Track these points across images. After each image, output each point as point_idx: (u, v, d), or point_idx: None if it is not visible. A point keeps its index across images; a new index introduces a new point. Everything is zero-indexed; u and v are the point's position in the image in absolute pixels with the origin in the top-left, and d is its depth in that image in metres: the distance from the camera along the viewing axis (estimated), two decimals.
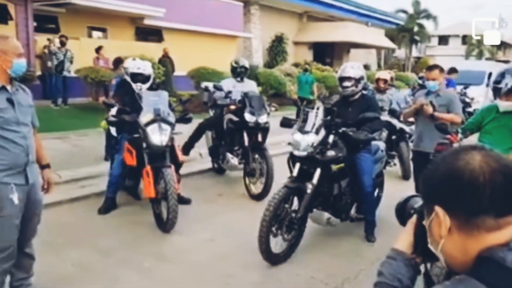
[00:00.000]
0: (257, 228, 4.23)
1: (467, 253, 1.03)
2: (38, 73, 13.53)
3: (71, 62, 13.27)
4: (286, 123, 5.08)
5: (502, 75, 3.86)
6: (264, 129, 6.59)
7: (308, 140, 4.47)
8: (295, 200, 4.54)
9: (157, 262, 4.43)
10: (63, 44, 13.26)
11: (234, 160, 6.79)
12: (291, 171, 4.65)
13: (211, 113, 7.63)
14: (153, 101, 5.49)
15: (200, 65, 16.18)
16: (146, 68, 5.94)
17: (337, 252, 4.82)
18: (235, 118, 6.66)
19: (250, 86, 7.24)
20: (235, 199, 6.49)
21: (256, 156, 6.48)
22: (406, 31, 41.26)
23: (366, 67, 27.44)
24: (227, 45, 21.58)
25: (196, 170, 7.59)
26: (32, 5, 13.43)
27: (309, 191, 4.41)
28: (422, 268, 1.35)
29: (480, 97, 13.53)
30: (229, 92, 6.94)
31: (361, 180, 4.88)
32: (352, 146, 4.81)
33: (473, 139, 4.34)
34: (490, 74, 14.41)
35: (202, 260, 4.51)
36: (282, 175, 4.87)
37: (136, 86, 5.75)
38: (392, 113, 7.56)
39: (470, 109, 10.87)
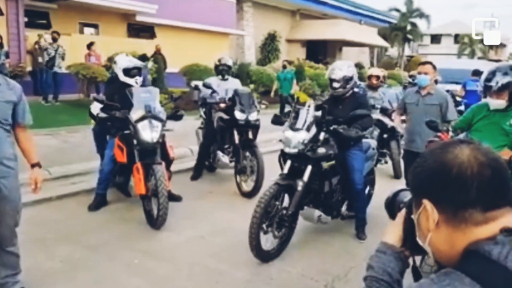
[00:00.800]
0: (247, 226, 4.22)
1: (454, 246, 1.02)
2: (29, 68, 13.44)
3: (63, 58, 13.17)
4: (277, 121, 5.07)
5: (492, 73, 3.86)
6: (255, 127, 6.58)
7: (299, 138, 4.47)
8: (286, 197, 4.53)
9: (147, 259, 4.41)
10: (54, 40, 13.15)
11: (225, 159, 6.78)
12: (282, 168, 4.65)
13: (201, 111, 7.63)
14: (144, 98, 5.47)
15: (192, 62, 16.14)
16: (137, 61, 5.94)
17: (327, 250, 4.82)
18: (225, 116, 6.64)
19: (234, 84, 7.22)
20: (226, 197, 6.48)
21: (247, 153, 6.47)
22: (399, 30, 41.39)
23: (359, 65, 27.50)
24: (219, 42, 21.53)
25: (187, 167, 7.56)
26: (23, 0, 13.35)
27: (300, 188, 4.40)
28: (410, 261, 1.35)
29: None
30: (214, 91, 6.93)
31: (352, 178, 4.88)
32: (343, 144, 4.82)
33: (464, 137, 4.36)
34: (481, 73, 14.46)
35: (192, 257, 4.49)
36: (273, 172, 4.86)
37: (134, 81, 5.71)
38: (384, 111, 7.57)
39: (461, 108, 10.90)
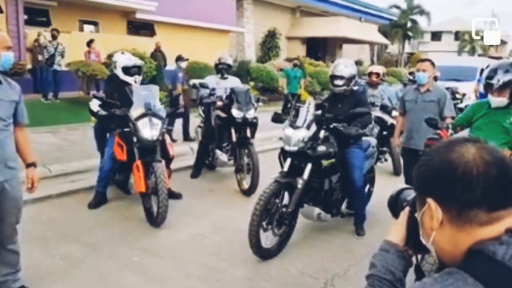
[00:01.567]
0: (247, 224, 4.22)
1: (458, 246, 1.02)
2: (29, 66, 13.42)
3: (62, 56, 13.15)
4: (277, 118, 5.07)
5: (494, 71, 3.85)
6: (252, 125, 6.58)
7: (299, 135, 4.46)
8: (286, 195, 4.53)
9: (147, 257, 4.41)
10: (54, 37, 13.13)
11: (223, 157, 6.77)
12: (282, 166, 4.64)
13: (200, 110, 7.63)
14: (144, 95, 5.46)
15: (192, 60, 16.09)
16: (137, 60, 5.93)
17: (327, 247, 4.82)
18: (222, 115, 6.64)
19: (234, 82, 7.22)
20: (225, 195, 6.48)
21: (246, 151, 6.47)
22: (399, 27, 41.38)
23: (359, 62, 27.51)
24: (219, 39, 21.51)
25: (187, 165, 7.56)
26: None
27: (299, 186, 4.40)
28: (413, 260, 1.34)
29: (472, 93, 13.59)
30: (213, 89, 6.93)
31: (352, 175, 4.88)
32: (343, 141, 4.81)
33: (464, 135, 4.34)
34: (482, 70, 14.47)
35: (191, 255, 4.49)
36: (273, 170, 4.85)
37: (133, 79, 5.70)
38: (384, 108, 7.56)
39: (461, 105, 10.90)
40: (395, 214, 1.40)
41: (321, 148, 4.53)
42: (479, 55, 43.26)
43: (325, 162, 4.62)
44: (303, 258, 4.52)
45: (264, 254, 4.38)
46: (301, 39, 30.61)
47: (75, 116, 10.64)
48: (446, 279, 0.96)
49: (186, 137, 9.30)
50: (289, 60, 16.42)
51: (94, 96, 5.84)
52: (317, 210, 4.76)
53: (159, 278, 4.03)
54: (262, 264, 4.34)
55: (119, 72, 5.77)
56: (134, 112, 5.31)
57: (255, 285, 3.99)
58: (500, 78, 3.76)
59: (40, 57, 12.91)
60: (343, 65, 5.07)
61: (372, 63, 34.92)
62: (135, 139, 5.28)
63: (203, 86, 6.96)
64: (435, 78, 6.76)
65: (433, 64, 5.38)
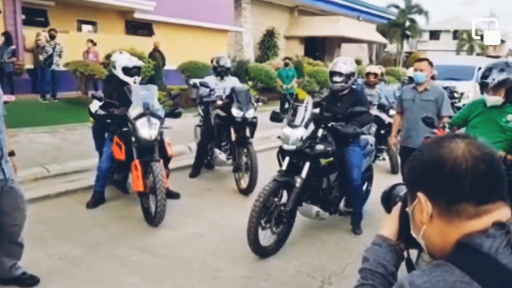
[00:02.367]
0: (245, 223, 4.24)
1: (447, 239, 1.04)
2: (28, 66, 13.41)
3: (60, 56, 13.15)
4: (276, 117, 5.08)
5: (489, 70, 3.87)
6: (252, 124, 6.58)
7: (297, 134, 4.48)
8: (285, 194, 4.55)
9: (145, 256, 4.42)
10: (52, 37, 13.13)
11: (222, 156, 6.78)
12: (280, 165, 4.66)
13: (199, 109, 7.64)
14: (143, 95, 5.47)
15: (190, 59, 16.13)
16: (137, 60, 5.94)
17: (324, 246, 4.84)
18: (222, 114, 6.64)
19: (232, 82, 7.22)
20: (224, 194, 6.49)
21: (244, 150, 6.48)
22: (398, 26, 41.39)
23: (358, 61, 27.49)
24: (218, 39, 21.51)
25: (185, 164, 7.57)
26: None
27: (298, 184, 4.42)
28: (405, 254, 1.36)
29: (470, 92, 13.59)
30: (212, 90, 6.94)
31: (350, 174, 4.90)
32: (341, 140, 4.83)
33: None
34: (480, 69, 14.48)
35: (190, 254, 4.50)
36: (272, 169, 4.87)
37: (133, 80, 5.71)
38: (381, 107, 7.58)
39: (459, 104, 10.91)
40: (388, 210, 1.42)
41: (319, 147, 4.54)
42: (477, 54, 43.30)
43: (323, 161, 4.64)
44: (300, 256, 4.53)
45: (262, 252, 4.40)
46: (299, 39, 30.62)
47: (73, 116, 10.63)
48: (434, 271, 0.98)
49: None
50: (284, 59, 16.32)
51: (93, 96, 5.85)
52: (315, 208, 4.78)
53: (157, 277, 4.04)
54: (260, 262, 4.35)
55: (118, 72, 5.77)
56: (133, 111, 5.31)
57: (253, 284, 4.00)
58: (495, 77, 3.78)
59: (40, 57, 12.91)
60: (343, 62, 5.11)
61: (371, 62, 34.95)
62: (133, 139, 5.28)
63: (203, 85, 6.97)
64: (433, 77, 6.78)
65: (430, 63, 5.40)
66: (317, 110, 4.66)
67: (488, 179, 1.02)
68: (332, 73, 5.07)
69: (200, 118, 7.78)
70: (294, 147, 4.47)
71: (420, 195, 1.07)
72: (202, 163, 7.33)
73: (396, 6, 42.71)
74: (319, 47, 32.55)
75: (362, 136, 5.28)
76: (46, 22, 15.51)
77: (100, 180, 5.72)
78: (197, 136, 7.65)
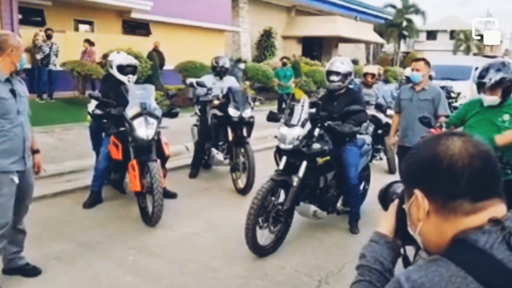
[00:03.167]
0: (242, 223, 4.25)
1: (443, 236, 1.05)
2: (27, 66, 13.36)
3: (56, 55, 13.11)
4: (272, 117, 5.09)
5: (486, 70, 3.89)
6: (248, 123, 6.58)
7: (294, 134, 4.49)
8: (282, 193, 4.56)
9: (142, 255, 4.42)
10: (49, 37, 13.10)
11: (219, 156, 6.77)
12: (277, 164, 4.66)
13: (196, 109, 7.63)
14: (140, 95, 5.46)
15: (188, 59, 16.10)
16: (132, 59, 5.93)
17: (321, 245, 4.84)
18: (219, 113, 6.64)
19: (230, 82, 7.21)
20: (221, 194, 6.49)
21: (242, 150, 6.48)
22: (395, 26, 41.47)
23: (355, 61, 27.51)
24: (215, 39, 21.49)
25: (182, 164, 7.57)
26: None
27: (295, 184, 4.43)
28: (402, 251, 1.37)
29: (467, 92, 13.63)
30: (210, 89, 6.93)
31: (347, 173, 4.91)
32: (337, 139, 4.84)
33: None
34: (476, 69, 14.53)
35: (187, 253, 4.50)
36: (269, 168, 4.87)
37: (127, 78, 5.71)
38: (379, 107, 7.59)
39: (456, 104, 10.95)
40: (385, 207, 1.44)
41: (316, 146, 4.55)
42: (474, 54, 43.39)
43: (320, 160, 4.65)
44: (297, 256, 4.54)
45: (260, 251, 4.40)
46: (296, 38, 30.62)
47: (70, 116, 10.61)
48: (430, 266, 0.99)
49: None
50: (282, 59, 16.27)
51: (90, 96, 5.84)
52: (313, 207, 4.79)
53: (154, 277, 4.04)
54: (257, 262, 4.35)
55: (114, 71, 5.78)
56: (130, 111, 5.30)
57: (250, 283, 4.00)
58: (492, 77, 3.79)
59: (38, 57, 12.87)
60: (340, 61, 5.14)
61: (368, 62, 35.01)
62: (130, 139, 5.28)
63: (199, 84, 6.96)
64: (430, 77, 6.79)
65: (428, 63, 5.42)
66: (313, 110, 4.67)
67: (484, 176, 1.03)
68: (329, 73, 5.08)
69: (197, 117, 7.77)
70: (291, 146, 4.48)
71: (417, 192, 1.08)
72: (200, 162, 7.32)
73: (393, 6, 42.79)
74: (317, 47, 32.56)
75: (359, 136, 5.29)
76: (43, 21, 15.45)
77: (97, 180, 5.72)
78: (195, 135, 7.64)
